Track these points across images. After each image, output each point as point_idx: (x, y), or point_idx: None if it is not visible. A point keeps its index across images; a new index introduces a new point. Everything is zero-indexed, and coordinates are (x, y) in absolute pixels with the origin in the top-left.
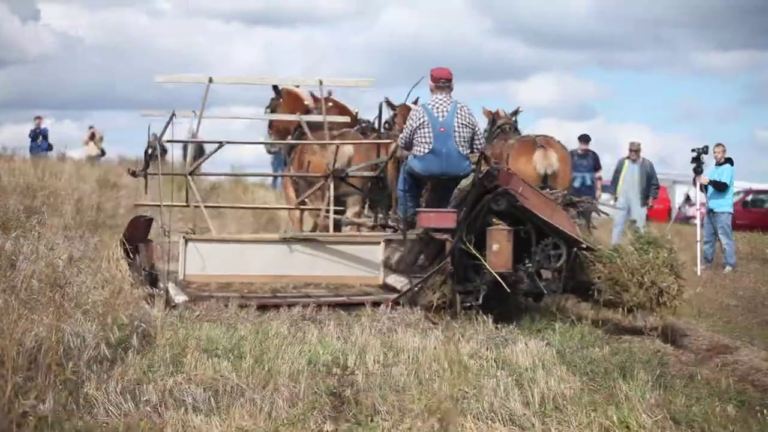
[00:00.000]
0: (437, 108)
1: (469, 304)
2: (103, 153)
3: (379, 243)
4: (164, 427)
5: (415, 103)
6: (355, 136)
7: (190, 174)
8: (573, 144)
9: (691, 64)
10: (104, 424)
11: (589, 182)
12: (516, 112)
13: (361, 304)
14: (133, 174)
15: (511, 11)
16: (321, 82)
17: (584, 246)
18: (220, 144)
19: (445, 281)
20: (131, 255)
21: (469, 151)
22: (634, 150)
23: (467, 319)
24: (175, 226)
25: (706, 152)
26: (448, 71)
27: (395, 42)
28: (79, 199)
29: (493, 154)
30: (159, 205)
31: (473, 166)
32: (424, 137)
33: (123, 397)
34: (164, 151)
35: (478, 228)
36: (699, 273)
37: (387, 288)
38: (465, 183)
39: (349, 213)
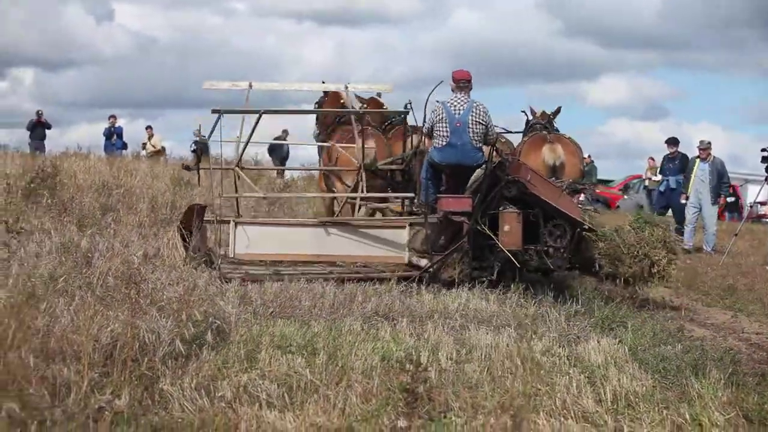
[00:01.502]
0: (454, 105)
1: (484, 279)
2: (163, 150)
3: (404, 227)
4: (239, 422)
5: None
6: (375, 134)
7: (237, 167)
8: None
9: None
10: (179, 420)
11: (673, 185)
12: (557, 112)
13: (388, 280)
14: (187, 168)
15: (581, 12)
16: (347, 87)
17: (586, 227)
18: (260, 114)
19: (463, 259)
20: (187, 239)
21: (482, 144)
22: (703, 149)
23: (540, 316)
24: (225, 212)
25: None
26: (468, 73)
27: (465, 42)
28: (153, 197)
29: (519, 148)
30: (236, 197)
31: (485, 158)
32: (442, 131)
33: (198, 392)
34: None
35: (492, 212)
36: None
37: (412, 266)
38: (479, 173)
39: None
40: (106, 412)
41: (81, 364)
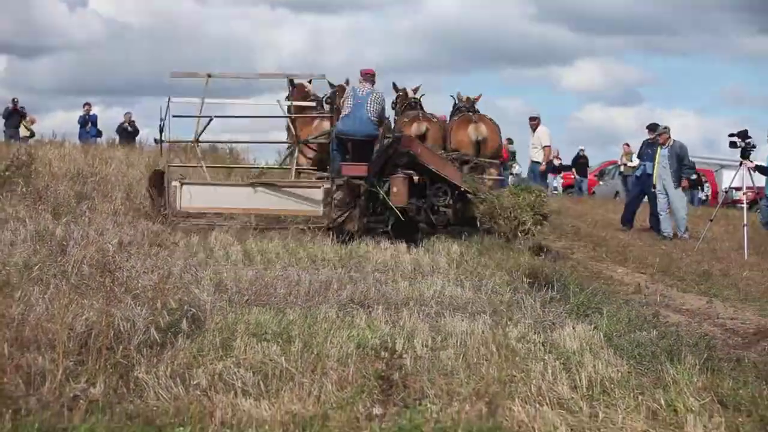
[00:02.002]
0: (360, 89)
1: (381, 230)
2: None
3: (320, 187)
4: (214, 410)
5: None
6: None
7: (196, 141)
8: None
9: (738, 48)
10: (154, 408)
11: (650, 171)
12: (477, 98)
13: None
14: (156, 141)
15: None
16: (291, 80)
17: (463, 189)
18: (210, 118)
19: (363, 214)
20: (152, 196)
21: (377, 120)
22: (660, 134)
23: (515, 303)
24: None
25: (744, 137)
26: (372, 69)
27: (440, 27)
28: (128, 185)
29: (451, 126)
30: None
31: (379, 131)
32: (347, 105)
33: (173, 380)
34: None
35: (387, 177)
36: (746, 257)
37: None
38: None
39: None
40: (81, 401)
41: (56, 353)
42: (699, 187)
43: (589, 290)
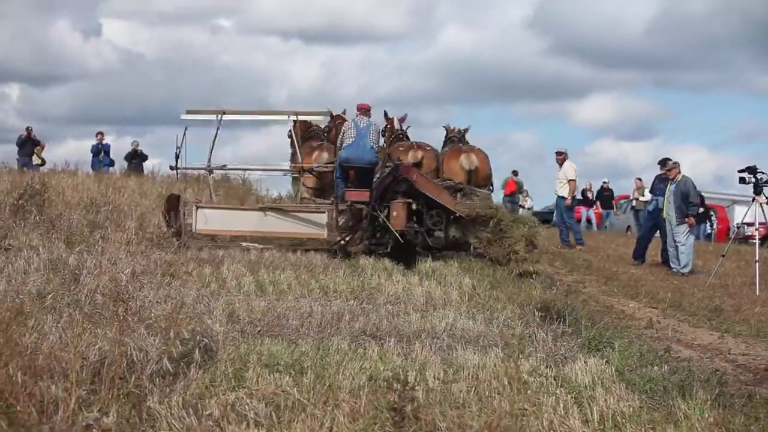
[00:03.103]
0: (360, 121)
1: (381, 251)
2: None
3: (324, 211)
4: None
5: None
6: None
7: (208, 168)
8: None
9: (750, 83)
10: None
11: (662, 205)
12: (466, 130)
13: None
14: (171, 168)
15: (568, 31)
16: (297, 116)
17: (458, 215)
18: (222, 115)
19: (365, 237)
20: (168, 219)
21: (377, 147)
22: (669, 169)
23: (527, 337)
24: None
25: (753, 172)
26: (368, 105)
27: (453, 61)
28: (141, 215)
29: (443, 156)
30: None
31: (378, 158)
32: (350, 134)
33: (185, 411)
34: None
35: (388, 202)
36: (758, 293)
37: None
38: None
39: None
40: (94, 430)
41: (69, 382)
42: (707, 221)
43: (601, 324)
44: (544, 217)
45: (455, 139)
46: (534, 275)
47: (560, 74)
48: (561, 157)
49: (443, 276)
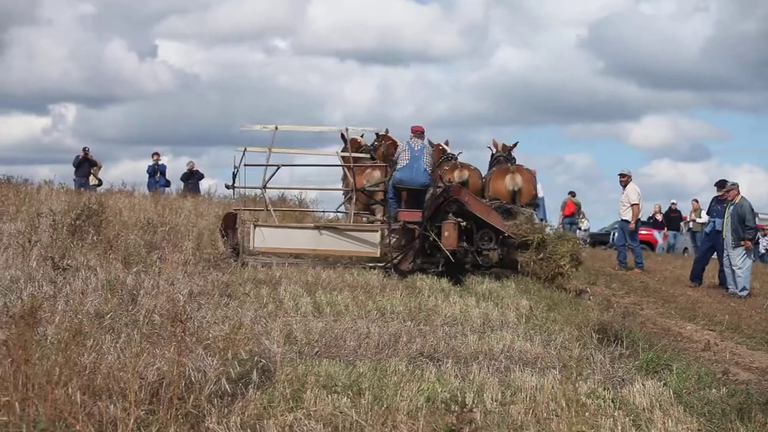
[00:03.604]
0: (414, 143)
1: (432, 270)
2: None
3: (377, 230)
4: None
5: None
6: (381, 167)
7: (263, 188)
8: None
9: None
10: None
11: (719, 227)
12: (514, 146)
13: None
14: (227, 187)
15: (623, 52)
16: (347, 130)
17: (507, 234)
18: (278, 167)
19: (417, 255)
20: (225, 237)
21: (430, 170)
22: (728, 191)
23: (585, 359)
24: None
25: None
26: (422, 126)
27: (507, 81)
28: (198, 235)
29: (489, 176)
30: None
31: (431, 180)
32: (405, 157)
33: (244, 431)
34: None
35: (439, 223)
36: None
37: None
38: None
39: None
40: None
41: (127, 401)
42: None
43: (659, 347)
44: (601, 239)
45: (502, 159)
46: (584, 293)
47: (615, 95)
48: (624, 180)
49: (500, 297)
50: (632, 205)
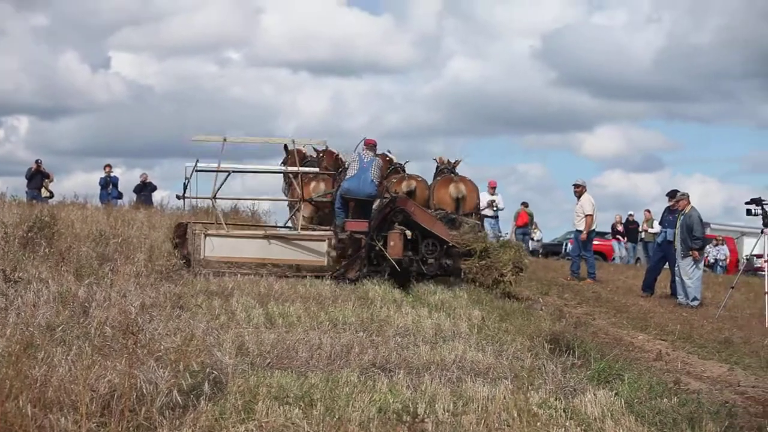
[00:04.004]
0: (365, 156)
1: (378, 277)
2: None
3: (324, 240)
4: None
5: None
6: (327, 179)
7: (213, 198)
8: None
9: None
10: None
11: (671, 238)
12: (457, 162)
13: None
14: (178, 197)
15: (575, 62)
16: (294, 142)
17: (451, 244)
18: (228, 174)
19: (363, 264)
20: (176, 247)
21: (377, 182)
22: (677, 200)
23: (536, 369)
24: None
25: (759, 204)
26: (374, 140)
27: (460, 92)
28: (151, 247)
29: (434, 185)
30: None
31: (378, 192)
32: (354, 167)
33: None
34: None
35: (385, 233)
36: (767, 324)
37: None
38: (379, 204)
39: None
40: None
41: (78, 414)
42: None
43: (611, 356)
44: (554, 249)
45: (446, 171)
46: (536, 303)
47: (568, 106)
48: (579, 190)
49: (452, 308)
50: (586, 215)
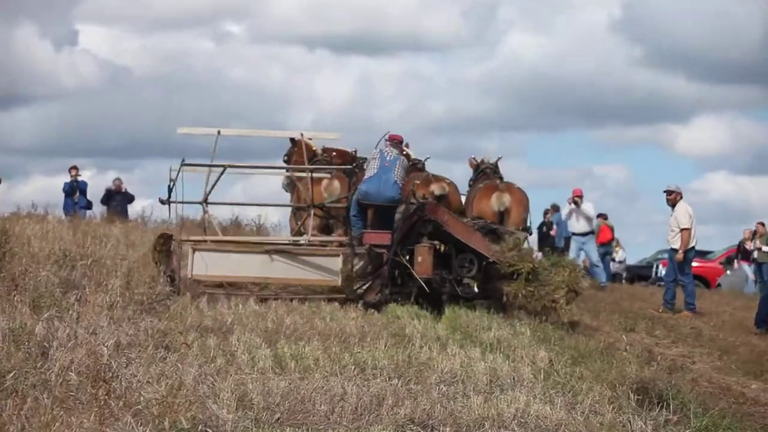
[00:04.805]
0: (388, 152)
1: (403, 302)
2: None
3: (338, 255)
4: None
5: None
6: (342, 177)
7: (204, 202)
8: None
9: None
10: None
11: None
12: (498, 160)
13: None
14: (162, 202)
15: (667, 37)
16: (302, 135)
17: (492, 260)
18: (224, 169)
19: (385, 285)
20: (158, 263)
21: (401, 183)
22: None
23: (620, 426)
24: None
25: None
26: (400, 136)
27: (520, 75)
28: (128, 272)
29: (474, 193)
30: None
31: (401, 196)
32: (374, 166)
33: None
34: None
35: (411, 245)
36: None
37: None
38: (403, 211)
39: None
40: None
41: None
42: None
43: (715, 411)
44: (641, 273)
45: (488, 171)
46: (610, 338)
47: (656, 91)
48: (673, 198)
49: (511, 347)
50: (682, 229)
